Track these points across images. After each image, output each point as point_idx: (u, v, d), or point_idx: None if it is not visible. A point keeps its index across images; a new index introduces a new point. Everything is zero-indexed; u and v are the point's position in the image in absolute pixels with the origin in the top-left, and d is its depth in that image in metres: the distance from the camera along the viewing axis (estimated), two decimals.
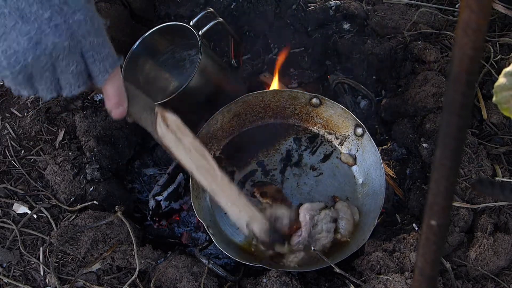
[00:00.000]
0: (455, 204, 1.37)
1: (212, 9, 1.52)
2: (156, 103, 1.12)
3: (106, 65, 0.96)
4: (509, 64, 0.87)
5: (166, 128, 1.08)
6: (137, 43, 1.51)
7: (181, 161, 1.12)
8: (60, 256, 1.35)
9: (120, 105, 1.05)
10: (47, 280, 1.33)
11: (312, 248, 1.37)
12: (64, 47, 0.89)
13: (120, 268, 1.36)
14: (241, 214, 1.19)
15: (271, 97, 1.55)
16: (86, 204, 1.42)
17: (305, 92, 1.53)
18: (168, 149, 1.11)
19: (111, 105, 1.04)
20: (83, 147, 1.51)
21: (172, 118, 1.09)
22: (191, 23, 1.47)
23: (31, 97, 1.60)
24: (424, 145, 1.51)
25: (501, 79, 0.82)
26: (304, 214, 1.38)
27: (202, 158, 1.13)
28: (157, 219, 1.48)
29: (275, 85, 1.66)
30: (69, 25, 0.88)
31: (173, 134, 1.09)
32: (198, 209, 1.39)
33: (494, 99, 0.83)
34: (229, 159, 1.54)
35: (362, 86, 1.70)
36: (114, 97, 1.03)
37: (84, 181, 1.46)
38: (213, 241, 1.33)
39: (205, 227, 1.34)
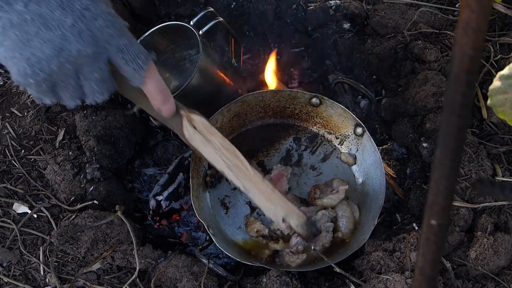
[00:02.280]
0: (455, 203, 1.37)
1: (212, 9, 1.53)
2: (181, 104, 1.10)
3: (139, 63, 0.95)
4: (509, 64, 0.86)
5: (194, 130, 1.07)
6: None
7: (211, 162, 1.11)
8: (60, 256, 1.35)
9: (167, 101, 1.03)
10: (47, 280, 1.33)
11: (313, 248, 1.37)
12: (88, 54, 0.89)
13: (120, 267, 1.36)
14: (276, 209, 1.18)
15: (271, 97, 1.55)
16: (86, 203, 1.42)
17: (305, 92, 1.53)
18: (197, 150, 1.10)
19: (158, 103, 1.03)
20: (83, 146, 1.51)
21: (199, 119, 1.08)
22: (191, 23, 1.47)
23: (31, 96, 1.60)
24: (424, 144, 1.51)
25: (496, 82, 0.82)
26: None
27: (233, 157, 1.12)
28: (157, 218, 1.48)
29: (273, 84, 1.66)
30: (92, 32, 0.88)
31: (201, 135, 1.08)
32: (198, 209, 1.39)
33: (489, 102, 0.83)
34: None
35: (362, 86, 1.69)
36: (157, 94, 1.02)
37: (84, 181, 1.46)
38: (213, 241, 1.33)
39: (205, 227, 1.34)
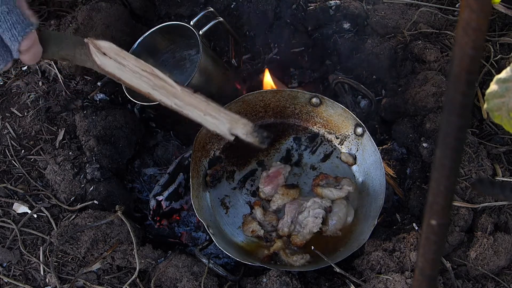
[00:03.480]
0: (455, 203, 1.37)
1: (212, 9, 1.53)
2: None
3: (15, 33, 0.94)
4: (509, 64, 0.86)
5: (103, 56, 1.04)
6: (137, 42, 1.51)
7: (134, 86, 1.07)
8: (60, 256, 1.35)
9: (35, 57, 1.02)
10: (47, 280, 1.33)
11: (312, 247, 1.37)
12: None
13: (120, 267, 1.36)
14: (218, 121, 1.09)
15: (271, 96, 1.55)
16: (86, 203, 1.42)
17: (305, 92, 1.53)
18: (114, 76, 1.06)
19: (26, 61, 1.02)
20: (83, 146, 1.51)
21: (107, 44, 1.05)
22: (191, 23, 1.47)
23: (31, 96, 1.60)
24: (424, 144, 1.51)
25: (493, 86, 0.81)
26: (291, 203, 1.41)
27: (154, 77, 1.07)
28: (158, 218, 1.48)
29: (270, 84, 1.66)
30: None
31: (114, 61, 1.05)
32: (198, 209, 1.39)
33: (485, 106, 0.82)
34: (229, 159, 1.54)
35: (362, 86, 1.69)
36: (30, 61, 1.01)
37: (84, 181, 1.46)
38: (213, 241, 1.33)
39: (205, 226, 1.34)
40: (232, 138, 1.10)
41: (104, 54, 1.04)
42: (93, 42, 1.04)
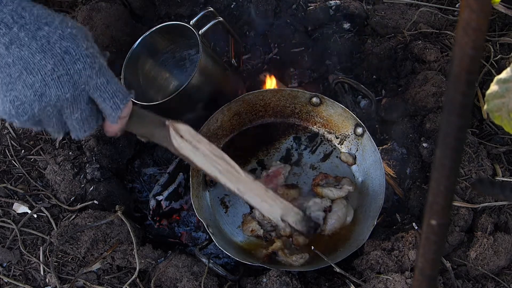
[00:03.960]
0: (455, 203, 1.37)
1: (212, 9, 1.52)
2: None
3: (117, 101, 0.98)
4: (509, 64, 0.86)
5: (181, 139, 1.09)
6: (137, 42, 1.51)
7: (203, 169, 1.13)
8: (60, 256, 1.35)
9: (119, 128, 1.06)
10: (47, 280, 1.33)
11: (312, 247, 1.37)
12: (66, 98, 0.92)
13: (120, 267, 1.36)
14: (273, 208, 1.18)
15: (271, 96, 1.55)
16: (86, 203, 1.42)
17: (305, 91, 1.53)
18: (187, 159, 1.11)
19: (109, 132, 1.05)
20: (83, 146, 1.51)
21: (184, 128, 1.10)
22: (191, 23, 1.46)
23: None
24: (424, 144, 1.51)
25: (493, 87, 0.81)
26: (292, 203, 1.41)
27: (223, 161, 1.13)
28: (157, 218, 1.48)
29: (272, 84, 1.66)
30: (71, 76, 0.91)
31: (189, 144, 1.09)
32: (198, 208, 1.39)
33: (485, 107, 0.82)
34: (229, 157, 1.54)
35: (362, 86, 1.69)
36: (119, 131, 1.05)
37: (84, 181, 1.46)
38: (213, 240, 1.33)
39: (205, 226, 1.34)
40: (282, 224, 1.19)
41: (181, 136, 1.08)
42: (173, 125, 1.08)
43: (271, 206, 1.18)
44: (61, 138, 1.02)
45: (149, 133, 1.11)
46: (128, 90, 1.01)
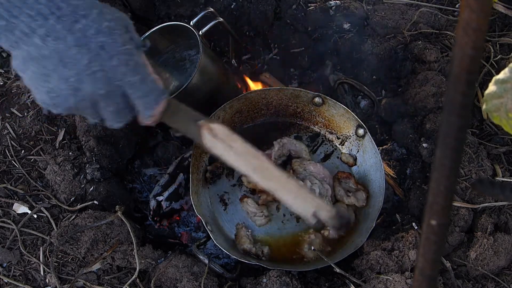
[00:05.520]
0: (455, 204, 1.37)
1: (212, 9, 1.53)
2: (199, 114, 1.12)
3: (151, 101, 0.97)
4: (509, 64, 0.86)
5: (214, 138, 1.08)
6: None
7: (235, 167, 1.12)
8: (60, 256, 1.35)
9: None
10: (47, 280, 1.33)
11: (312, 248, 1.37)
12: (102, 93, 0.92)
13: (120, 268, 1.36)
14: (306, 205, 1.18)
15: (274, 94, 1.55)
16: (86, 204, 1.42)
17: (308, 91, 1.53)
18: (220, 157, 1.11)
19: (143, 121, 1.05)
20: (83, 147, 1.51)
21: (219, 128, 1.10)
22: (191, 23, 1.47)
23: (31, 97, 1.60)
24: (424, 145, 1.51)
25: (492, 87, 0.81)
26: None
27: (257, 159, 1.13)
28: (158, 219, 1.48)
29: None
30: (106, 72, 0.90)
31: (222, 143, 1.09)
32: (197, 205, 1.39)
33: (484, 107, 0.82)
34: None
35: (365, 87, 1.70)
36: (153, 122, 1.04)
37: (84, 181, 1.46)
38: (211, 238, 1.33)
39: (204, 223, 1.34)
40: (313, 221, 1.18)
41: (215, 136, 1.08)
42: (208, 125, 1.09)
43: (304, 203, 1.18)
44: (95, 123, 1.02)
45: (183, 128, 1.11)
46: (163, 88, 0.99)
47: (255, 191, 1.48)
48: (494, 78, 0.81)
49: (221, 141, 1.09)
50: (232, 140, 1.11)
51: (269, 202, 1.46)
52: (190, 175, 1.40)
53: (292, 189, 1.15)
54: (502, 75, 0.80)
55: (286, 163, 1.53)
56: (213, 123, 1.10)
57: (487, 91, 0.81)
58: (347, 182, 1.47)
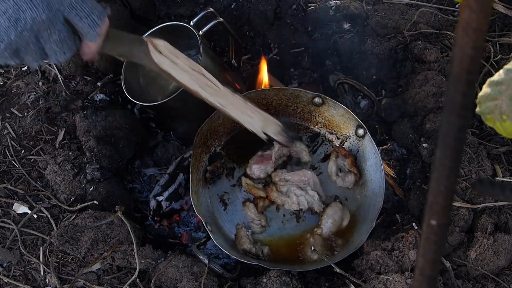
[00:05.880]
0: (455, 204, 1.37)
1: (212, 9, 1.53)
2: (143, 36, 1.13)
3: (94, 18, 0.97)
4: (505, 66, 0.85)
5: (160, 55, 1.09)
6: None
7: (184, 84, 1.13)
8: (60, 256, 1.35)
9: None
10: (47, 280, 1.33)
11: (312, 248, 1.37)
12: (42, 19, 0.90)
13: (120, 268, 1.36)
14: (253, 120, 1.20)
15: (274, 95, 1.55)
16: (86, 204, 1.42)
17: (307, 91, 1.53)
18: (168, 75, 1.12)
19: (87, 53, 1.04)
20: (83, 147, 1.51)
21: (162, 43, 1.11)
22: (191, 23, 1.47)
23: (31, 97, 1.60)
24: (424, 145, 1.51)
25: (485, 89, 0.81)
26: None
27: (201, 75, 1.14)
28: (158, 219, 1.48)
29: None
30: None
31: (168, 59, 1.10)
32: (197, 205, 1.39)
33: (477, 109, 0.82)
34: (230, 156, 1.54)
35: (365, 87, 1.70)
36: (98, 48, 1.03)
37: (84, 181, 1.46)
38: (210, 238, 1.33)
39: (204, 223, 1.34)
40: (265, 137, 1.21)
41: (160, 52, 1.09)
42: (151, 41, 1.10)
43: (252, 118, 1.20)
44: (36, 67, 1.01)
45: (128, 52, 1.11)
46: (102, 6, 0.99)
47: (255, 199, 1.48)
48: (488, 80, 0.81)
49: (166, 57, 1.11)
50: (176, 55, 1.12)
51: (266, 207, 1.47)
52: (190, 175, 1.40)
53: (239, 104, 1.17)
54: (496, 76, 0.80)
55: (286, 163, 1.53)
56: (157, 39, 1.11)
57: (481, 93, 0.81)
58: (343, 160, 1.48)
